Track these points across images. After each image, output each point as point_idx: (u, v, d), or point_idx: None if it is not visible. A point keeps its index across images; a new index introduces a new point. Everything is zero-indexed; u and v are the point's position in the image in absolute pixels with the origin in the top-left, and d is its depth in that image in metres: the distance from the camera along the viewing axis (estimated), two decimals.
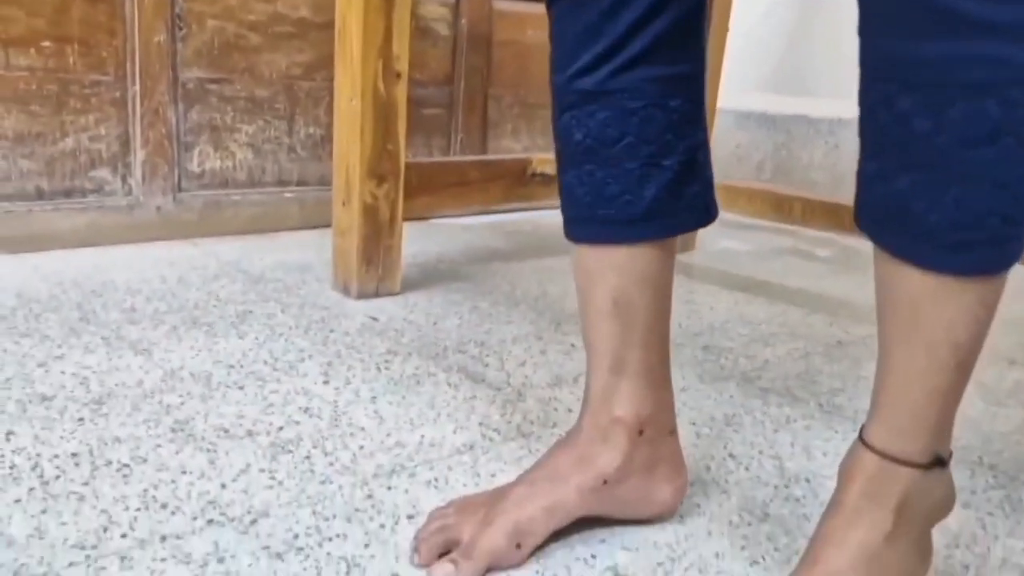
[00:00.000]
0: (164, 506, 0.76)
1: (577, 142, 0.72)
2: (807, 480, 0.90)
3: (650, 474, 0.76)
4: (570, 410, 1.03)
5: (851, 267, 1.97)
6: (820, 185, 2.37)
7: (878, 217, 0.59)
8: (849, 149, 2.34)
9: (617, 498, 0.75)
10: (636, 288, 0.73)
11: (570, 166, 0.74)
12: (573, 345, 1.26)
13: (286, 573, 0.67)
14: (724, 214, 2.43)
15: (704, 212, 0.76)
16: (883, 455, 0.63)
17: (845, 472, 0.66)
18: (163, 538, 0.71)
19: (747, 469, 0.91)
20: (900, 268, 0.58)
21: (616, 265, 0.73)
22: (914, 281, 0.58)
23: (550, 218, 2.24)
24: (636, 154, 0.70)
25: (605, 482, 0.74)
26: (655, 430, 0.76)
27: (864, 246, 2.12)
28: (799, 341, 1.36)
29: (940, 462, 0.64)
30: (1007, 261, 0.57)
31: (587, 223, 0.74)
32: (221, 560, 0.68)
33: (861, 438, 0.65)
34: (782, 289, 1.69)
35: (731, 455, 0.94)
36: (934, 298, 0.57)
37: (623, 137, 0.71)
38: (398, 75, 1.35)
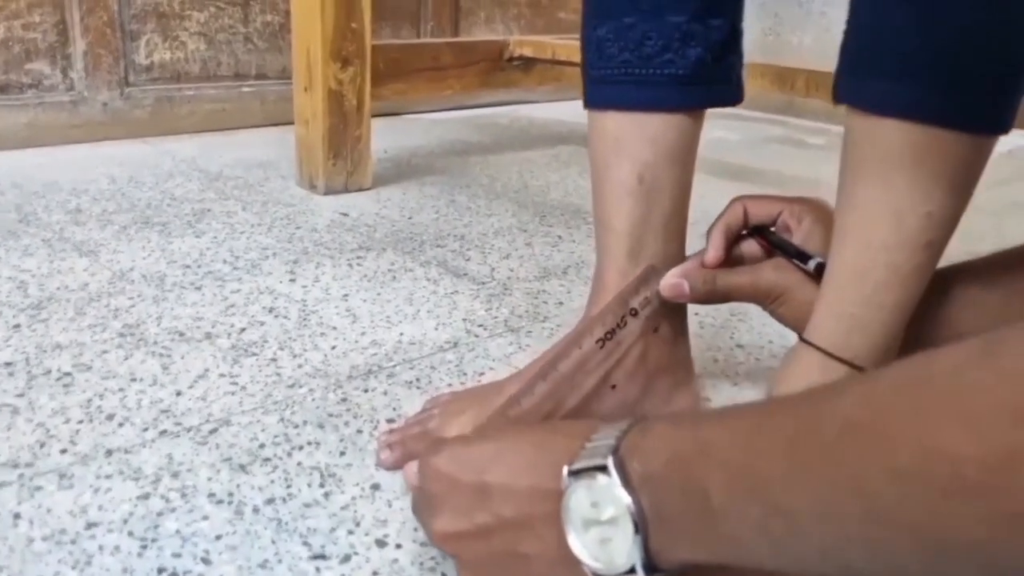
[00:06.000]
0: (110, 417, 0.67)
1: None
2: None
3: (663, 377, 0.68)
4: (560, 303, 0.94)
5: None
6: None
7: (862, 67, 0.53)
8: (841, 33, 2.22)
9: (625, 403, 0.66)
10: (666, 164, 0.64)
11: (604, 18, 0.64)
12: (560, 237, 1.17)
13: (251, 487, 0.59)
14: None
15: (739, 87, 0.68)
16: (828, 354, 0.55)
17: (781, 378, 0.58)
18: (109, 452, 0.62)
19: (757, 360, 0.83)
20: (876, 125, 0.51)
21: (647, 136, 0.64)
22: (890, 137, 0.51)
23: (527, 111, 2.12)
24: (683, 7, 0.61)
25: (613, 386, 0.66)
26: (670, 329, 0.68)
27: None
28: None
29: None
30: (1000, 119, 0.50)
31: (619, 84, 0.64)
32: (176, 475, 0.60)
33: (802, 338, 0.57)
34: (778, 176, 1.60)
35: (739, 345, 0.86)
36: (911, 155, 0.50)
37: None
38: None
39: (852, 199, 0.54)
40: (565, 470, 0.40)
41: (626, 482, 0.38)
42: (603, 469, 0.38)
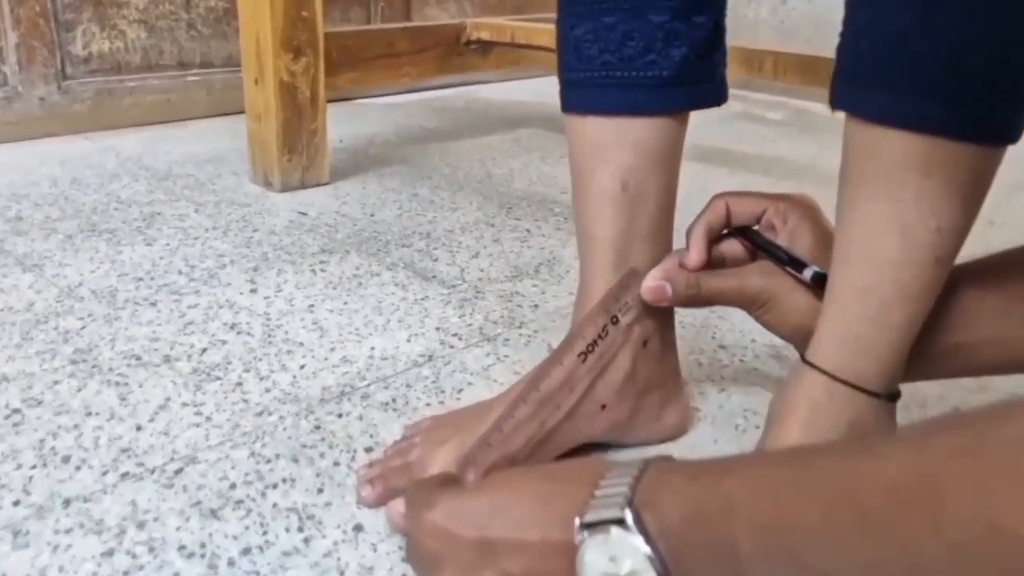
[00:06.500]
0: (66, 460, 0.62)
1: None
2: None
3: (652, 394, 0.65)
4: (535, 305, 0.91)
5: (805, 129, 1.87)
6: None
7: (862, 74, 0.49)
8: (797, 4, 2.20)
9: (617, 424, 0.63)
10: (650, 169, 0.61)
11: (582, 17, 0.60)
12: (528, 231, 1.13)
13: (224, 535, 0.55)
14: None
15: (723, 85, 0.65)
16: (833, 377, 0.53)
17: (783, 403, 0.55)
18: (67, 502, 0.58)
19: (742, 361, 0.81)
20: (880, 136, 0.48)
21: (631, 141, 0.60)
22: (895, 148, 0.48)
23: (483, 92, 2.07)
24: (665, 5, 0.58)
25: (603, 407, 0.62)
26: (659, 342, 0.65)
27: (817, 107, 2.01)
28: None
29: (893, 398, 0.54)
30: (1010, 128, 0.47)
31: (600, 88, 0.60)
32: (141, 525, 0.56)
33: (804, 359, 0.55)
34: (742, 157, 1.58)
35: (721, 346, 0.84)
36: (917, 167, 0.47)
37: None
38: None
39: (854, 213, 0.51)
40: (577, 522, 0.38)
41: (645, 534, 0.36)
42: (619, 522, 0.36)
